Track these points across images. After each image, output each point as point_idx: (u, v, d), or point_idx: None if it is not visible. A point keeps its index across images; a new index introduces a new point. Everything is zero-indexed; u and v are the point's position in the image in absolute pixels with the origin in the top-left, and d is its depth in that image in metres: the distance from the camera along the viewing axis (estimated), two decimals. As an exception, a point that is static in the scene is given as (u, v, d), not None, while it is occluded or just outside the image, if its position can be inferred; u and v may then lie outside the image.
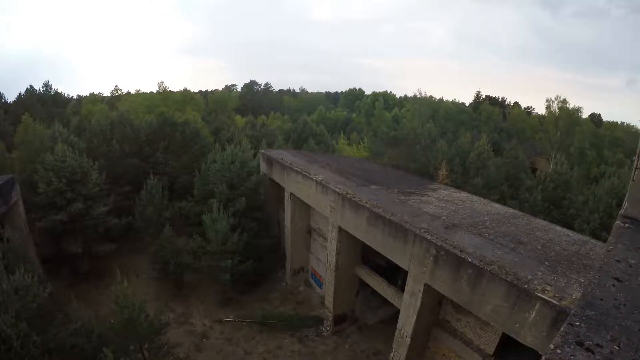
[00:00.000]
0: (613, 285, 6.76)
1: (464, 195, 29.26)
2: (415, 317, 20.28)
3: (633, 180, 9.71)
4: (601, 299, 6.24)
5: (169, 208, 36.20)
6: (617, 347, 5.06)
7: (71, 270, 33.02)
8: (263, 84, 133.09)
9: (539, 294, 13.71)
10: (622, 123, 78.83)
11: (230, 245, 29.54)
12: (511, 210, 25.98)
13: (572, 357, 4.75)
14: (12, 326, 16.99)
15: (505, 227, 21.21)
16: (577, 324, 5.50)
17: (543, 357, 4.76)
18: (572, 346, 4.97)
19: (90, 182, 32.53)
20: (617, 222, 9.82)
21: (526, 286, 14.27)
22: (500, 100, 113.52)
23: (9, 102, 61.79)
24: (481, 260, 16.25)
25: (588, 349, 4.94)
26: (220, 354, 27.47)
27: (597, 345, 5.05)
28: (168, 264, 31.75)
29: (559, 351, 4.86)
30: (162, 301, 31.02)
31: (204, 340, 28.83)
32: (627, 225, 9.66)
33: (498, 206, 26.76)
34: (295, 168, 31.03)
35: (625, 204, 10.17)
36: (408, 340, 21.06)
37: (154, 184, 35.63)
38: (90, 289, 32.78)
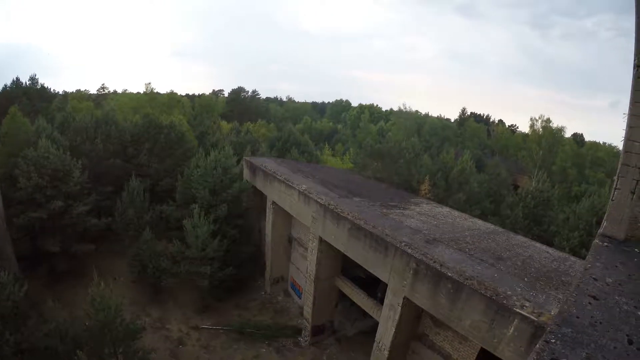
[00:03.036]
0: (590, 303, 6.79)
1: (445, 210, 29.47)
2: (393, 329, 20.27)
3: (612, 200, 9.83)
4: (577, 317, 6.26)
5: (150, 211, 35.85)
6: (592, 365, 5.06)
7: (48, 269, 32.61)
8: (250, 91, 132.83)
9: (518, 310, 13.82)
10: (604, 143, 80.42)
11: (210, 251, 29.34)
12: (492, 226, 26.25)
13: (547, 374, 4.73)
14: (-16, 325, 16.66)
15: (486, 243, 21.38)
16: (553, 341, 5.50)
17: None
18: None
19: (71, 180, 32.08)
20: (596, 240, 9.92)
21: (505, 302, 14.36)
22: (485, 117, 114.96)
23: None
24: (461, 275, 16.32)
25: (563, 366, 4.94)
26: (197, 362, 27.16)
27: (573, 362, 5.06)
28: (146, 267, 31.38)
29: (532, 367, 4.85)
30: (139, 305, 30.82)
31: (180, 346, 28.50)
32: (606, 244, 9.76)
33: (479, 222, 27.00)
34: (279, 177, 31.01)
35: (604, 223, 10.30)
36: (386, 353, 21.03)
37: (136, 186, 35.33)
38: (67, 289, 32.19)
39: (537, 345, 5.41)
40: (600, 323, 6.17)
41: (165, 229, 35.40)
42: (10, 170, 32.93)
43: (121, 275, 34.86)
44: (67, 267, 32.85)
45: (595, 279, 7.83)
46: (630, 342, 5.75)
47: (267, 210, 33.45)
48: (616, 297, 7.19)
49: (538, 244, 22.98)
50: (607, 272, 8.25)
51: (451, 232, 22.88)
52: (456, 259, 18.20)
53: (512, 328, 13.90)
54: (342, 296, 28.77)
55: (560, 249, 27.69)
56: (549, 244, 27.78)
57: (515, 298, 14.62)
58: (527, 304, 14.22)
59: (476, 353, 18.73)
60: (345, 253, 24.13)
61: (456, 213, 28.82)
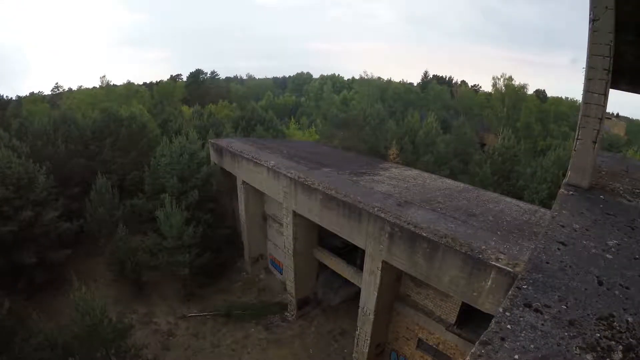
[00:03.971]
0: (558, 249, 7.01)
1: (415, 172, 29.80)
2: (376, 294, 20.67)
3: (575, 150, 10.07)
4: (547, 262, 6.47)
5: (121, 207, 35.25)
6: (564, 307, 5.26)
7: (27, 282, 31.42)
8: (209, 73, 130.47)
9: (494, 263, 14.22)
10: (567, 98, 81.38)
11: (187, 238, 29.19)
12: (462, 184, 26.67)
13: (521, 319, 4.91)
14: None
15: (457, 201, 21.76)
16: (525, 287, 5.68)
17: (493, 320, 4.91)
18: (520, 308, 5.14)
19: (38, 187, 30.94)
20: (562, 190, 10.19)
21: (480, 256, 14.74)
22: (447, 79, 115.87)
23: None
24: (435, 234, 16.64)
25: (536, 310, 5.12)
26: (189, 350, 27.31)
27: (545, 305, 5.24)
28: (125, 264, 30.94)
29: (507, 314, 5.01)
30: (124, 303, 30.59)
31: (170, 338, 28.49)
32: (571, 192, 10.04)
33: (449, 181, 27.39)
34: (246, 156, 30.82)
35: (568, 173, 10.57)
36: (371, 317, 21.51)
37: (103, 183, 34.54)
38: (49, 299, 31.45)
39: (510, 292, 5.59)
40: (570, 267, 6.38)
41: (138, 223, 34.91)
42: None
43: (101, 277, 34.26)
44: (46, 276, 31.73)
45: (562, 226, 8.07)
46: (600, 284, 5.98)
47: (239, 191, 33.32)
48: (584, 242, 7.43)
49: (508, 199, 23.43)
50: (573, 218, 8.50)
51: (422, 193, 23.17)
52: (429, 219, 18.48)
53: (490, 281, 14.32)
54: (323, 267, 29.08)
55: (530, 202, 28.36)
56: (519, 198, 28.50)
57: (490, 252, 15.01)
58: (502, 256, 14.62)
59: (458, 308, 19.23)
60: (320, 224, 24.26)
61: (426, 174, 29.12)
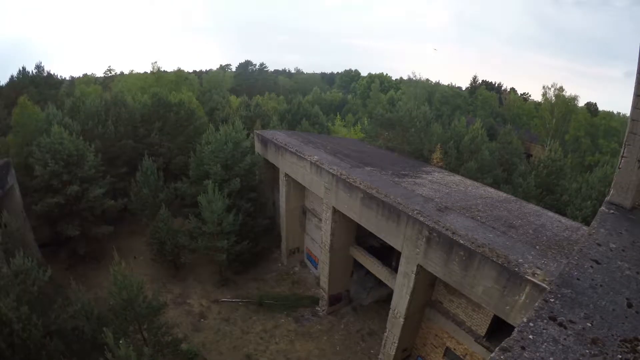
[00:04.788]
0: (591, 267, 7.01)
1: (457, 178, 29.51)
2: (408, 297, 20.66)
3: (619, 168, 9.90)
4: (578, 279, 6.49)
5: (165, 189, 36.23)
6: (589, 324, 5.31)
7: (69, 253, 33.42)
8: (258, 64, 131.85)
9: (529, 277, 14.01)
10: (619, 113, 78.29)
11: (226, 225, 29.77)
12: (504, 194, 26.24)
13: (544, 331, 5.00)
14: (13, 310, 17.20)
15: (498, 211, 21.48)
16: (552, 300, 5.75)
17: (515, 329, 5.03)
18: (545, 320, 5.23)
19: (86, 164, 32.26)
20: (602, 207, 10.06)
21: (517, 269, 14.56)
22: (496, 85, 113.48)
23: (1, 85, 60.60)
24: (473, 243, 16.54)
25: (561, 324, 5.20)
26: (218, 334, 28.04)
27: (570, 321, 5.31)
28: (165, 245, 32.00)
29: (531, 324, 5.12)
30: (160, 282, 31.50)
31: (202, 320, 29.34)
32: (612, 211, 9.90)
33: (491, 190, 27.01)
34: (290, 149, 31.14)
35: (611, 191, 10.39)
36: (401, 320, 21.53)
37: (149, 165, 35.56)
38: (89, 271, 33.16)
39: (537, 304, 5.66)
40: (601, 286, 6.40)
41: (180, 206, 35.91)
42: (25, 160, 33.55)
43: (141, 254, 35.72)
44: (87, 249, 33.69)
45: (598, 244, 8.04)
46: (629, 306, 5.97)
47: (280, 183, 33.76)
48: (619, 262, 7.38)
49: (550, 213, 22.90)
50: (611, 238, 8.43)
51: (463, 200, 23.01)
52: (468, 227, 18.40)
53: (524, 295, 14.14)
54: (358, 265, 29.28)
55: (572, 218, 27.66)
56: (562, 213, 27.82)
57: (527, 265, 14.82)
58: (538, 271, 14.42)
59: (489, 320, 19.09)
60: (358, 222, 24.36)
61: (468, 181, 28.83)
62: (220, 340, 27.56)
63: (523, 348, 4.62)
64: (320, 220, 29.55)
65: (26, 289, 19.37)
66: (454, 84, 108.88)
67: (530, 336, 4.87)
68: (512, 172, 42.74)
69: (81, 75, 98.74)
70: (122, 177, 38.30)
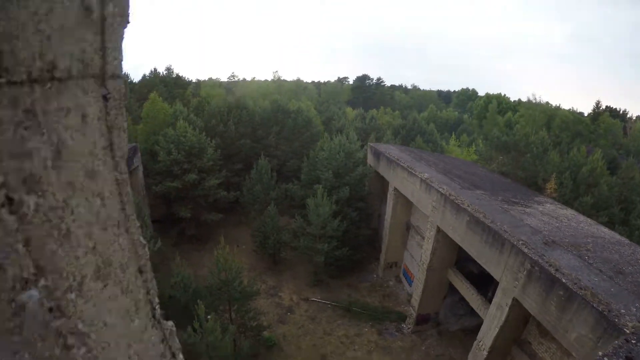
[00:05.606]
0: None
1: (570, 212, 28.10)
2: (497, 330, 20.07)
3: None
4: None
5: (276, 188, 38.21)
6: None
7: (178, 232, 36.99)
8: (375, 79, 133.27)
9: (628, 331, 13.00)
10: None
11: (330, 230, 30.78)
12: (618, 236, 24.48)
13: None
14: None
15: (608, 254, 20.23)
16: (634, 341, 5.75)
17: None
18: (620, 359, 5.29)
19: (205, 157, 35.80)
20: None
21: (617, 320, 13.41)
22: (622, 112, 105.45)
23: (134, 82, 67.32)
24: (575, 284, 15.77)
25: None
26: (301, 330, 29.11)
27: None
28: (268, 239, 33.91)
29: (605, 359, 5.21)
30: (257, 272, 33.20)
31: (289, 314, 30.67)
32: None
33: (604, 230, 25.40)
34: (402, 164, 31.34)
35: None
36: (485, 353, 20.88)
37: (264, 165, 37.79)
38: (193, 251, 36.21)
39: (616, 342, 5.71)
40: None
41: (288, 206, 38.03)
42: (151, 146, 38.22)
43: (244, 244, 37.93)
44: (195, 232, 37.18)
45: None
46: None
47: (388, 196, 33.93)
48: None
49: (670, 263, 21.35)
50: None
51: (572, 236, 21.95)
52: (573, 266, 17.57)
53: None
54: (452, 289, 28.90)
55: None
56: (685, 264, 25.78)
57: (628, 318, 13.60)
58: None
59: (577, 372, 18.05)
60: (460, 245, 24.14)
61: (581, 217, 27.29)
62: (302, 336, 28.54)
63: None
64: (423, 238, 29.52)
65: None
66: (575, 109, 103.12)
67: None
68: (631, 212, 39.85)
69: (207, 79, 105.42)
70: (237, 172, 41.76)
